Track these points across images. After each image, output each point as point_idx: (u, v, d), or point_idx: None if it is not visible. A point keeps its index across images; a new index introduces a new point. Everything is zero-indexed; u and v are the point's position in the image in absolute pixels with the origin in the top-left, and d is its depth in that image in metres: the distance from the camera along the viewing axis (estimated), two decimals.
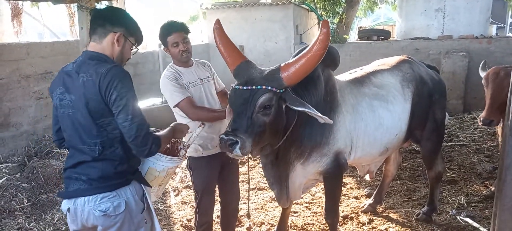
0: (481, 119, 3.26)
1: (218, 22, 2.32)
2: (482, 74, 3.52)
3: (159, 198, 3.46)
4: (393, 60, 3.21)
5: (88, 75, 1.68)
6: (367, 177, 3.37)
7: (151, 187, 1.97)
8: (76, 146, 1.77)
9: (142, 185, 1.87)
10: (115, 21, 1.80)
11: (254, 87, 2.06)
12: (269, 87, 2.06)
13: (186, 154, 2.18)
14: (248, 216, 3.01)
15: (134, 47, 1.88)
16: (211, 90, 2.67)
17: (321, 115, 2.11)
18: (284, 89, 2.11)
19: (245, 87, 2.07)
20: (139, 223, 1.81)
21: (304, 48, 2.49)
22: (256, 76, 2.13)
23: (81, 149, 1.75)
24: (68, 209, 1.80)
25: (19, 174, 4.50)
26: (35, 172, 4.46)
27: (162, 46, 2.60)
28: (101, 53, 1.77)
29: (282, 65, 2.14)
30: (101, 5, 4.87)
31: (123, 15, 1.88)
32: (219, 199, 2.89)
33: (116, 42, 1.78)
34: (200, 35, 11.10)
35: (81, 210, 1.75)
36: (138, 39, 1.89)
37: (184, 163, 2.95)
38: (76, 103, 1.72)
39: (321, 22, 2.10)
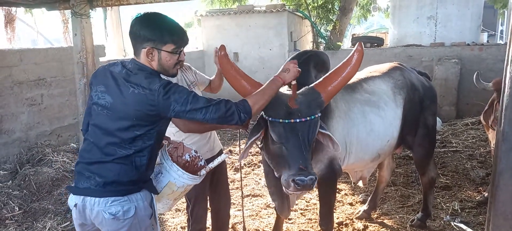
0: None
1: (223, 48, 2.16)
2: (479, 84, 3.62)
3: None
4: (384, 67, 3.24)
5: (140, 89, 1.67)
6: (360, 183, 3.38)
7: (158, 194, 1.96)
8: (99, 143, 1.73)
9: (151, 192, 1.86)
10: (140, 37, 1.72)
11: (309, 118, 2.04)
12: (319, 114, 2.09)
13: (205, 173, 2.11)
14: (244, 228, 2.98)
15: (177, 52, 1.76)
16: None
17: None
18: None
19: (298, 120, 2.03)
20: (146, 229, 1.80)
21: (313, 58, 2.58)
22: (297, 103, 2.07)
23: (103, 148, 1.72)
24: (76, 205, 1.77)
25: (10, 181, 4.45)
26: (27, 179, 4.41)
27: None
28: (147, 65, 1.75)
29: (317, 84, 2.15)
30: (96, 12, 4.85)
31: (149, 26, 1.73)
32: (210, 206, 2.87)
33: (148, 57, 1.73)
34: (195, 42, 11.12)
35: (90, 208, 1.73)
36: (177, 43, 1.76)
37: None
38: (116, 107, 1.70)
39: (356, 44, 2.21)
